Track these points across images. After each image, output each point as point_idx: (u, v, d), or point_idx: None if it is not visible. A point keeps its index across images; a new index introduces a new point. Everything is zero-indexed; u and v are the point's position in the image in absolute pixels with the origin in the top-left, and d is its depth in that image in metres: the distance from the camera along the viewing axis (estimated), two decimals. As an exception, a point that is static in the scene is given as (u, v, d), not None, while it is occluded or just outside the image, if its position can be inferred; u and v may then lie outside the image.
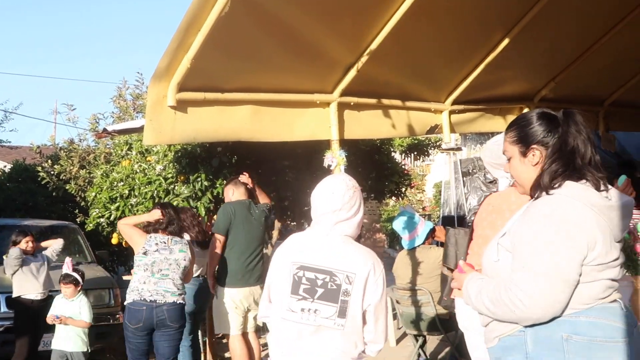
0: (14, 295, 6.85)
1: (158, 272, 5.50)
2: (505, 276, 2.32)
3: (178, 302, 5.53)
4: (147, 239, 5.60)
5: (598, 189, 2.32)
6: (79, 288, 6.36)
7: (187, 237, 6.28)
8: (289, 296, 2.97)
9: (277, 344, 3.03)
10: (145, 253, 5.55)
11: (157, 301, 5.44)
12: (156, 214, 5.74)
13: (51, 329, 6.44)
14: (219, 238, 6.06)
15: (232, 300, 6.02)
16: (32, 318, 6.85)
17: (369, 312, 2.97)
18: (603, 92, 7.32)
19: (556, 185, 2.33)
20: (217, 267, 6.11)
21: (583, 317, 2.26)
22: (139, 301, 5.43)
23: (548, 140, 2.40)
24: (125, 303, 5.59)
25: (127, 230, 5.73)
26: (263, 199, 6.58)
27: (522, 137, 2.44)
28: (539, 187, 2.38)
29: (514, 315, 2.26)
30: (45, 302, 6.85)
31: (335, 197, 3.02)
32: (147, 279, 5.48)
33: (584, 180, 2.33)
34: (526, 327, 2.30)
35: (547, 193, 2.33)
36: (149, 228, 5.74)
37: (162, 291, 5.47)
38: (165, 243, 5.63)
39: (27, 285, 6.84)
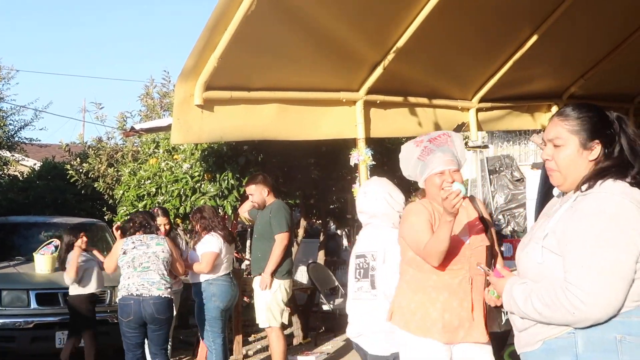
0: (74, 292, 6.73)
1: (139, 265, 5.76)
2: (552, 278, 2.24)
3: (164, 295, 5.77)
4: (124, 242, 5.89)
5: None
6: None
7: (214, 235, 6.35)
8: (351, 280, 3.82)
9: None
10: (124, 253, 5.83)
11: (143, 294, 5.69)
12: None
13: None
14: (288, 236, 6.24)
15: (286, 291, 6.32)
16: (92, 311, 6.86)
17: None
18: (633, 89, 7.22)
19: (602, 183, 2.27)
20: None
21: (635, 317, 2.19)
22: (126, 296, 5.73)
23: (609, 138, 2.34)
24: (117, 300, 5.88)
25: (113, 258, 5.97)
26: None
27: (588, 128, 2.34)
28: (587, 182, 2.30)
29: (572, 317, 2.18)
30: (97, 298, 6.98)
31: (356, 203, 3.96)
32: (130, 274, 5.76)
33: (629, 178, 2.27)
34: (576, 328, 2.22)
35: (592, 189, 2.26)
36: (126, 234, 6.02)
37: (147, 284, 5.73)
38: (141, 240, 5.89)
39: (86, 282, 6.77)
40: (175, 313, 6.66)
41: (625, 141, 2.34)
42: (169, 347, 6.59)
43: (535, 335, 2.33)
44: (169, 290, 5.86)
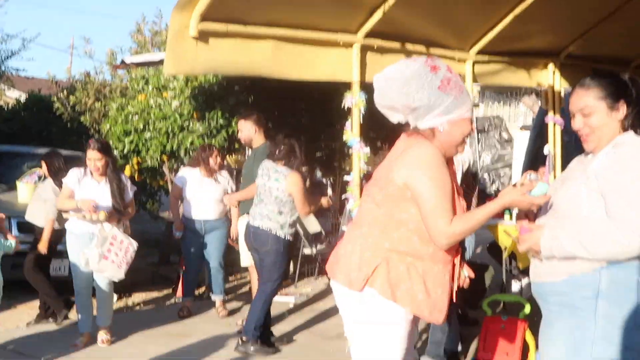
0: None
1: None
2: (594, 215, 2.50)
3: None
4: None
5: None
6: None
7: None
8: None
9: None
10: None
11: None
12: None
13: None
14: None
15: None
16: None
17: None
18: (631, 52, 7.17)
19: (635, 134, 2.59)
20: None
21: None
22: None
23: (631, 98, 2.62)
24: None
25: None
26: None
27: (611, 92, 2.61)
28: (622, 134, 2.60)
29: (619, 248, 2.44)
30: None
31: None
32: None
33: None
34: (602, 268, 2.51)
35: (628, 138, 2.57)
36: None
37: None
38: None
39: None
40: None
41: None
42: None
43: (561, 268, 2.58)
44: None
